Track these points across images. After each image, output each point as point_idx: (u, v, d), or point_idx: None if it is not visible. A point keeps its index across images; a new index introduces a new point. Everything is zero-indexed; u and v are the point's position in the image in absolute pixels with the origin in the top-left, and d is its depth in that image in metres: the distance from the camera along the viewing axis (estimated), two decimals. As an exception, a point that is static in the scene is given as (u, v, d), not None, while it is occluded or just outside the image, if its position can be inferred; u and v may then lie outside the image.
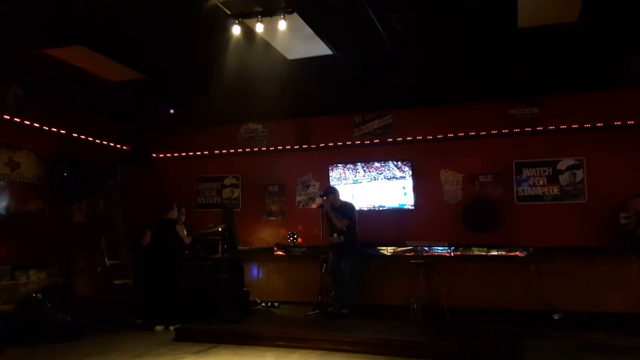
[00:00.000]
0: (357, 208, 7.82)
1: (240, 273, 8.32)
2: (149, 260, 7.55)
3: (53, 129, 7.90)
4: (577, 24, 5.49)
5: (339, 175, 8.56)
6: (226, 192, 9.57)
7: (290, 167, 9.14)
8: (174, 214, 7.70)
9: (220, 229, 7.63)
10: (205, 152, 9.72)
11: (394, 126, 8.56)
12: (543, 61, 6.59)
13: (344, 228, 7.34)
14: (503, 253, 7.39)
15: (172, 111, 8.58)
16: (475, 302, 7.52)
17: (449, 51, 6.42)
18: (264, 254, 8.84)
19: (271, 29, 5.51)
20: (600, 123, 7.49)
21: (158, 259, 7.41)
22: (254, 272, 9.04)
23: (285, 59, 6.51)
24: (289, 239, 8.54)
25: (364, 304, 7.64)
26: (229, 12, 5.34)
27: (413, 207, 8.12)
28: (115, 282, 8.13)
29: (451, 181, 8.20)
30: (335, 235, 7.44)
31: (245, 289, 8.40)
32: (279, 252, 8.56)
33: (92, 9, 5.26)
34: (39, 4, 5.15)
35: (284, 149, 9.19)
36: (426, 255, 7.63)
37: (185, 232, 7.57)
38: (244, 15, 5.37)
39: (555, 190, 7.67)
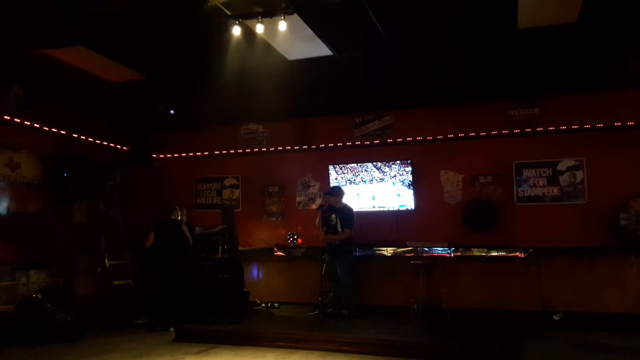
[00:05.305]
0: (357, 209, 7.83)
1: (240, 273, 8.32)
2: (154, 261, 7.50)
3: (53, 129, 7.90)
4: (577, 24, 5.50)
5: (339, 176, 8.57)
6: (226, 193, 9.57)
7: (290, 168, 9.14)
8: (177, 215, 7.72)
9: (220, 229, 7.64)
10: (206, 153, 9.72)
11: (394, 127, 8.57)
12: (543, 62, 6.59)
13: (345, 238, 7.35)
14: (503, 254, 7.40)
15: (172, 112, 8.59)
16: (475, 302, 7.53)
17: (449, 51, 6.42)
18: (264, 254, 8.85)
19: (271, 29, 5.51)
20: (600, 124, 7.49)
21: (164, 259, 7.37)
22: (254, 272, 9.05)
23: (285, 60, 6.51)
24: (289, 239, 8.53)
25: (365, 305, 7.65)
26: (229, 13, 5.34)
27: (413, 208, 8.12)
28: (115, 282, 8.13)
29: (451, 182, 8.20)
30: (331, 235, 7.43)
31: (245, 289, 8.40)
32: (279, 253, 8.57)
33: (92, 9, 5.27)
34: (39, 4, 5.15)
35: (284, 150, 9.19)
36: (426, 256, 7.64)
37: (189, 233, 7.59)
38: (244, 15, 5.38)
39: (555, 191, 7.67)
